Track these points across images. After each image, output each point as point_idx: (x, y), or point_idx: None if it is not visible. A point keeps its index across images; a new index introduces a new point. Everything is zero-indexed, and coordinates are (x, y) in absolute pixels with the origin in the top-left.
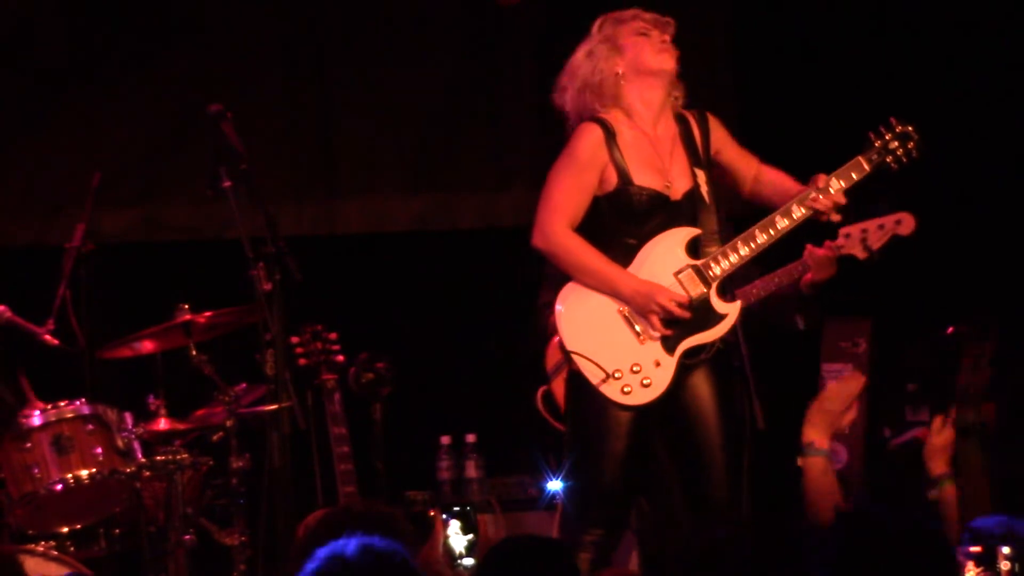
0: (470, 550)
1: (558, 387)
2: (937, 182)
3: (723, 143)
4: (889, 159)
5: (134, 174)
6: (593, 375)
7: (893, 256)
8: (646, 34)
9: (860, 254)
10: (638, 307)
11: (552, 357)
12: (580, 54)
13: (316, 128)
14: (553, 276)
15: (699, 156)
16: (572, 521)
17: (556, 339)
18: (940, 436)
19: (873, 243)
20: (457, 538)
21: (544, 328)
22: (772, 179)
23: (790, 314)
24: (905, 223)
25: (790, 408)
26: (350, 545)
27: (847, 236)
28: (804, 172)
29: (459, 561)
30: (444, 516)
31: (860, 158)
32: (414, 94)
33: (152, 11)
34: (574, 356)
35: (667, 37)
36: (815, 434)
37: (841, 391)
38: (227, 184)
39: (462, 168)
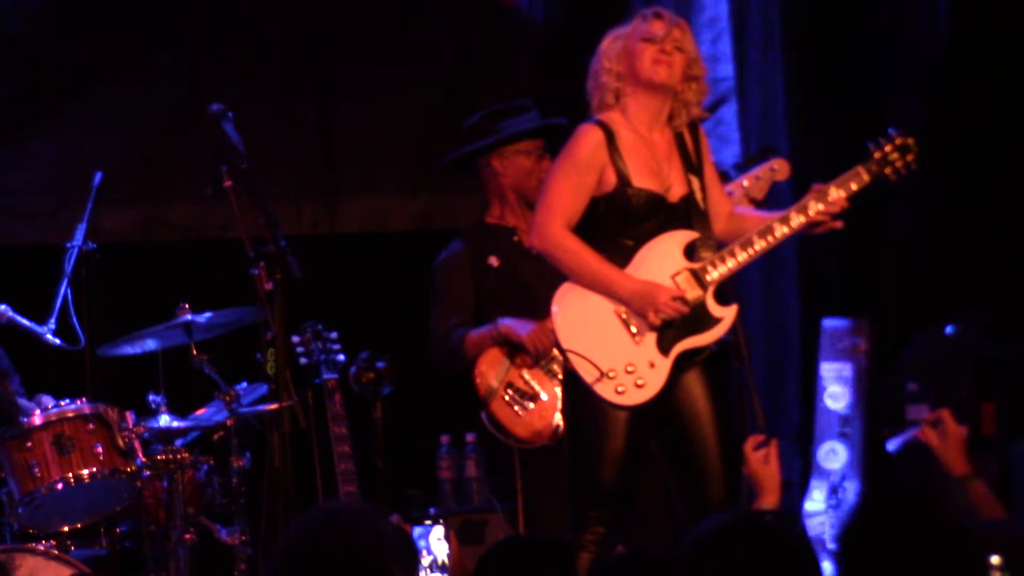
0: None
1: (498, 406)
2: (937, 183)
3: (707, 165)
4: (888, 170)
5: (135, 174)
6: (588, 373)
7: (893, 256)
8: (651, 40)
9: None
10: (637, 308)
11: (483, 379)
12: (609, 39)
13: (316, 128)
14: (447, 301)
15: (692, 163)
16: (571, 521)
17: (482, 361)
18: (950, 432)
19: (756, 194)
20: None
21: (460, 353)
22: (749, 215)
23: None
24: (781, 169)
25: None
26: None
27: (730, 193)
28: (806, 177)
29: None
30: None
31: (860, 168)
32: (414, 94)
33: (152, 11)
34: (569, 354)
35: (668, 47)
36: (765, 501)
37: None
38: (228, 184)
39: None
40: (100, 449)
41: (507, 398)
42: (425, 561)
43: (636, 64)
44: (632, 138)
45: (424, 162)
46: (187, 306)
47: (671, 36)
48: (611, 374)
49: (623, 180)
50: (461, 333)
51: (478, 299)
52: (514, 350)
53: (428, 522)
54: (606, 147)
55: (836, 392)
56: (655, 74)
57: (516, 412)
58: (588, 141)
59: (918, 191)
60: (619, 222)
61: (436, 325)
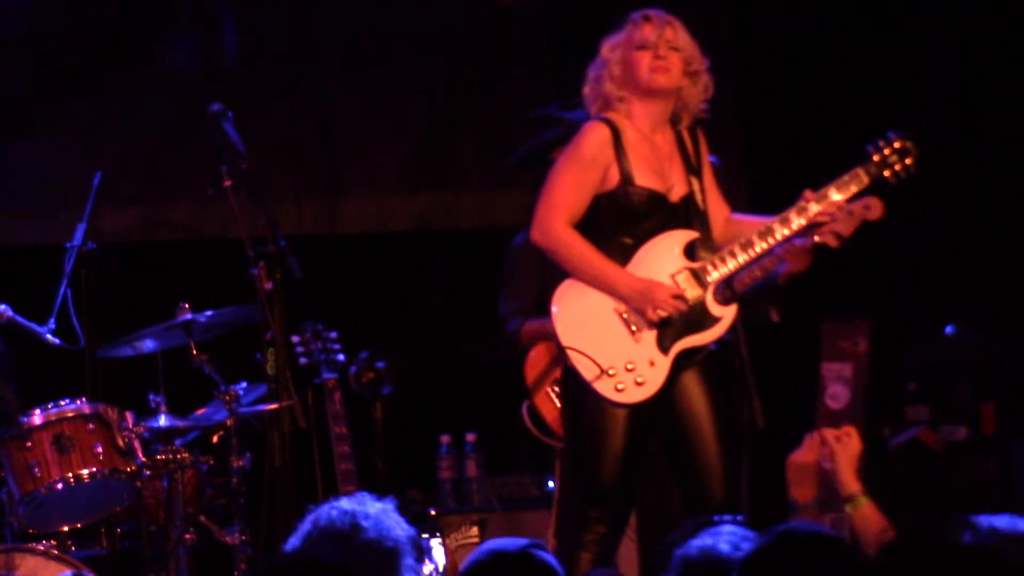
0: None
1: (541, 401)
2: (937, 183)
3: (706, 167)
4: (887, 173)
5: (135, 174)
6: (587, 371)
7: (893, 256)
8: (645, 47)
9: (832, 243)
10: (636, 305)
11: (532, 370)
12: (606, 48)
13: (316, 128)
14: (511, 287)
15: (692, 165)
16: (570, 520)
17: (533, 353)
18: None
19: (844, 231)
20: None
21: (515, 341)
22: (746, 220)
23: (765, 308)
24: (874, 208)
25: (790, 408)
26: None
27: None
28: (806, 181)
29: None
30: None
31: (859, 170)
32: (414, 94)
33: (153, 11)
34: (569, 352)
35: (662, 51)
36: (798, 492)
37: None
38: (228, 184)
39: (462, 168)
40: (100, 449)
41: (552, 393)
42: (426, 570)
43: (635, 73)
44: (636, 137)
45: (424, 162)
46: (187, 306)
47: (663, 38)
48: (611, 371)
49: (626, 178)
50: (520, 321)
51: (542, 287)
52: None
53: (426, 535)
54: (612, 145)
55: (836, 392)
56: (653, 82)
57: (559, 408)
58: (594, 138)
59: (918, 191)
60: (620, 220)
61: (500, 309)
